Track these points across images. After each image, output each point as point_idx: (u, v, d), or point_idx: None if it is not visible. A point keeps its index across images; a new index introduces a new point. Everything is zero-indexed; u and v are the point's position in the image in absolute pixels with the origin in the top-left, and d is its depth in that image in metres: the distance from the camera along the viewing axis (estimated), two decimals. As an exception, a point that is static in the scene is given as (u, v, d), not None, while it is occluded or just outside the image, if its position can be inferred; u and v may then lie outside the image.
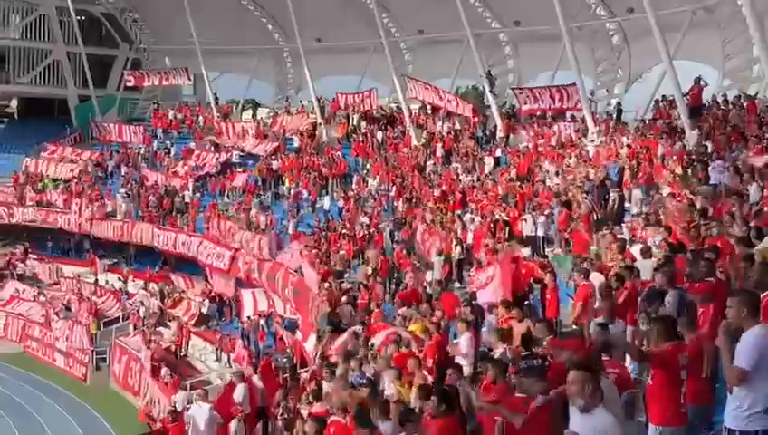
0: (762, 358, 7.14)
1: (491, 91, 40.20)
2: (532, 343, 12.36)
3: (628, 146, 28.27)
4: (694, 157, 24.43)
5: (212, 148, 48.36)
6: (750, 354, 7.13)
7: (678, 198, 20.61)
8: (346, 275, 29.16)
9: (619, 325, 12.18)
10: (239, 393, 19.43)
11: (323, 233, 34.79)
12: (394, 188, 36.57)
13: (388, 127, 44.28)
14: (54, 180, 49.26)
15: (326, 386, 15.44)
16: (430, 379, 13.66)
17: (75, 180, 48.08)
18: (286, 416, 16.96)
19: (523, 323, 14.54)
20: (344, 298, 24.87)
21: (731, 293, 8.18)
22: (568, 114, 35.63)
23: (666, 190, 22.91)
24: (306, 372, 22.81)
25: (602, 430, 7.21)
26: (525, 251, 22.29)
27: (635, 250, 17.23)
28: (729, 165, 22.19)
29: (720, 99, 30.83)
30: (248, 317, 31.39)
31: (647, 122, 32.38)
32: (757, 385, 7.16)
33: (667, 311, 11.47)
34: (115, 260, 43.62)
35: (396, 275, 26.90)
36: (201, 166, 46.80)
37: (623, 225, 22.39)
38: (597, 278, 15.73)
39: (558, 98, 34.21)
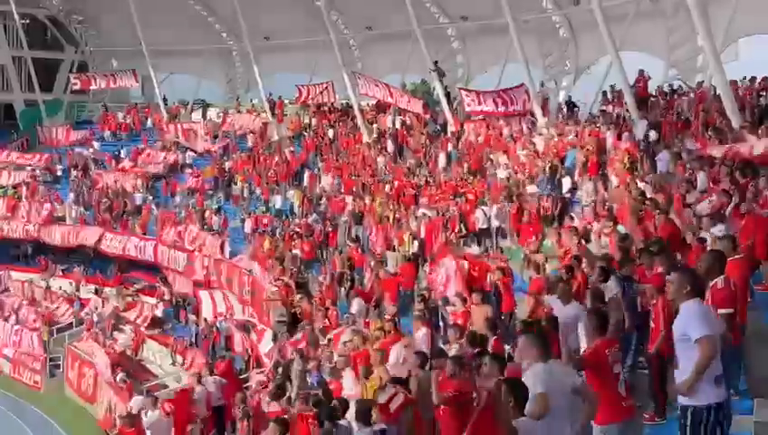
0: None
1: (441, 83, 40.18)
2: (485, 341, 12.45)
3: (577, 138, 28.51)
4: (642, 147, 24.71)
5: (162, 148, 47.96)
6: (703, 321, 7.04)
7: (627, 188, 20.82)
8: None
9: (571, 308, 12.04)
10: (197, 395, 19.35)
11: (277, 232, 34.65)
12: (345, 185, 36.48)
13: (340, 123, 44.23)
14: (1, 187, 48.47)
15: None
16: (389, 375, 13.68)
17: (24, 186, 47.30)
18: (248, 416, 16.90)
19: (482, 307, 14.90)
20: (298, 296, 24.89)
21: (673, 269, 8.02)
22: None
23: (614, 181, 23.16)
24: (262, 372, 22.81)
25: None
26: (475, 249, 22.45)
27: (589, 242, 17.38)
28: (676, 154, 22.50)
29: (666, 89, 31.20)
30: (205, 320, 31.19)
31: (594, 114, 32.64)
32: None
33: (613, 296, 11.52)
34: (67, 266, 42.94)
35: (351, 272, 26.83)
36: (148, 163, 46.42)
37: (573, 215, 22.58)
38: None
39: (501, 102, 34.22)
